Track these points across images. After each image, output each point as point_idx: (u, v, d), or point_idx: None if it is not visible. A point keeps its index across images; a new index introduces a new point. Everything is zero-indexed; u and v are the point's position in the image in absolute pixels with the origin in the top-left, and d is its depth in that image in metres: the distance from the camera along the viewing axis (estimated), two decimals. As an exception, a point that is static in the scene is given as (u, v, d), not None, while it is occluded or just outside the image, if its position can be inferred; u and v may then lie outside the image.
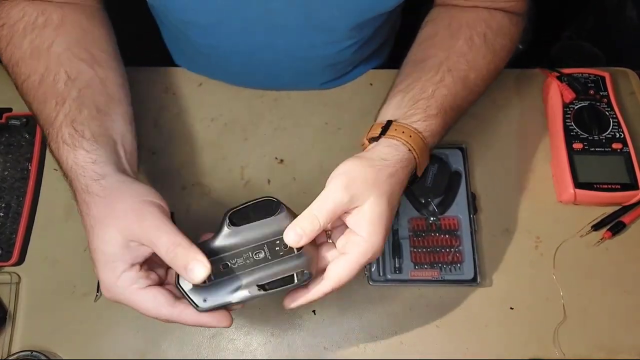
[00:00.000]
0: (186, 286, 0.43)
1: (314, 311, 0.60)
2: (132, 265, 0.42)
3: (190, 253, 0.40)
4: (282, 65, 0.66)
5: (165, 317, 0.42)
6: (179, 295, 0.43)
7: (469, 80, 0.55)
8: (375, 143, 0.50)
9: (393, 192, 0.46)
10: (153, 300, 0.42)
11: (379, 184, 0.45)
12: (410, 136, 0.49)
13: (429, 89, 0.53)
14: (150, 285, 0.43)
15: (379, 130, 0.51)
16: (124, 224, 0.42)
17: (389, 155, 0.47)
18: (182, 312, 0.42)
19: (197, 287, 0.42)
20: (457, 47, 0.56)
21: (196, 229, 0.60)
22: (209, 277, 0.40)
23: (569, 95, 0.65)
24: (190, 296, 0.42)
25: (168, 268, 0.47)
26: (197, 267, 0.39)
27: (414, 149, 0.48)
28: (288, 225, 0.42)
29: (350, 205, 0.43)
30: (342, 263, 0.43)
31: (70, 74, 0.50)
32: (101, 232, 0.42)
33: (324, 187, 0.44)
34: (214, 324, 0.43)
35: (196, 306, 0.42)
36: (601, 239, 0.61)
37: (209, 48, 0.65)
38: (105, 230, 0.42)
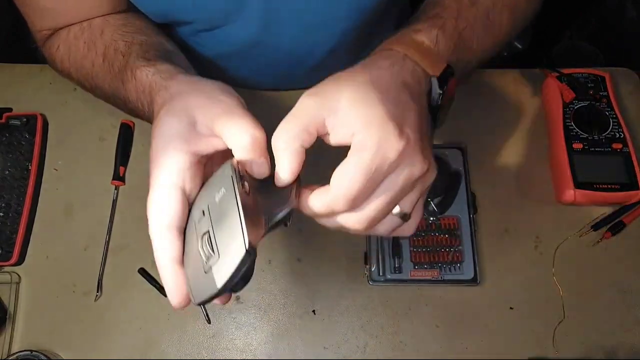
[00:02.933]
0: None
1: (314, 311, 0.60)
2: (190, 151, 0.36)
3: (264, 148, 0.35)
4: (289, 64, 0.66)
5: (151, 229, 0.35)
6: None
7: (480, 2, 0.47)
8: None
9: (379, 78, 0.36)
10: (165, 207, 0.34)
11: (353, 73, 0.37)
12: (390, 41, 0.41)
13: (425, 8, 0.47)
14: (181, 192, 0.35)
15: None
16: (203, 102, 0.37)
17: (365, 61, 0.40)
18: (166, 247, 0.34)
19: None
20: None
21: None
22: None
23: (569, 95, 0.65)
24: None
25: None
26: (264, 166, 0.35)
27: (396, 45, 0.40)
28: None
29: (322, 108, 0.35)
30: (340, 167, 0.34)
31: (127, 40, 0.51)
32: (175, 104, 0.38)
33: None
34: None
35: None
36: (601, 239, 0.61)
37: (212, 55, 0.65)
38: (181, 103, 0.38)
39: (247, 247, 0.30)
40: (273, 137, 0.35)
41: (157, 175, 0.36)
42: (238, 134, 0.35)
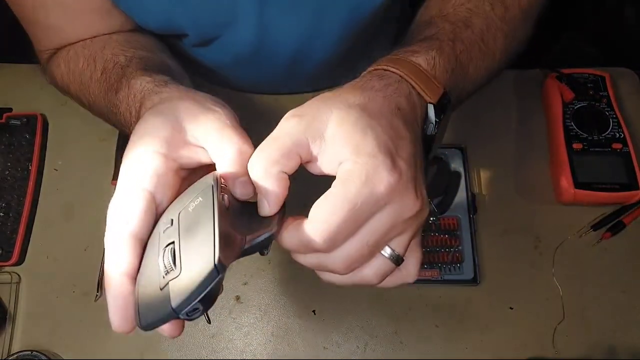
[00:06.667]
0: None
1: (314, 311, 0.60)
2: (169, 156, 0.33)
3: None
4: (287, 72, 0.66)
5: (107, 236, 0.31)
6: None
7: (474, 25, 0.45)
8: None
9: (371, 100, 0.33)
10: (128, 212, 0.31)
11: (343, 94, 0.34)
12: (385, 60, 0.39)
13: (419, 28, 0.46)
14: (149, 197, 0.32)
15: None
16: (194, 109, 0.35)
17: (356, 80, 0.37)
18: (120, 257, 0.30)
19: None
20: (453, 0, 0.47)
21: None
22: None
23: (569, 95, 0.65)
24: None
25: None
26: (247, 186, 0.32)
27: (391, 65, 0.37)
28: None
29: (307, 130, 0.32)
30: (321, 199, 0.30)
31: (128, 55, 0.48)
32: (164, 106, 0.36)
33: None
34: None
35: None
36: (601, 239, 0.61)
37: (212, 65, 0.65)
38: (170, 107, 0.35)
39: (216, 263, 0.25)
40: (249, 162, 0.32)
41: (126, 175, 0.32)
42: (224, 145, 0.33)
